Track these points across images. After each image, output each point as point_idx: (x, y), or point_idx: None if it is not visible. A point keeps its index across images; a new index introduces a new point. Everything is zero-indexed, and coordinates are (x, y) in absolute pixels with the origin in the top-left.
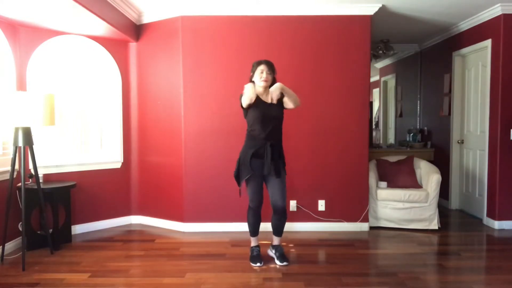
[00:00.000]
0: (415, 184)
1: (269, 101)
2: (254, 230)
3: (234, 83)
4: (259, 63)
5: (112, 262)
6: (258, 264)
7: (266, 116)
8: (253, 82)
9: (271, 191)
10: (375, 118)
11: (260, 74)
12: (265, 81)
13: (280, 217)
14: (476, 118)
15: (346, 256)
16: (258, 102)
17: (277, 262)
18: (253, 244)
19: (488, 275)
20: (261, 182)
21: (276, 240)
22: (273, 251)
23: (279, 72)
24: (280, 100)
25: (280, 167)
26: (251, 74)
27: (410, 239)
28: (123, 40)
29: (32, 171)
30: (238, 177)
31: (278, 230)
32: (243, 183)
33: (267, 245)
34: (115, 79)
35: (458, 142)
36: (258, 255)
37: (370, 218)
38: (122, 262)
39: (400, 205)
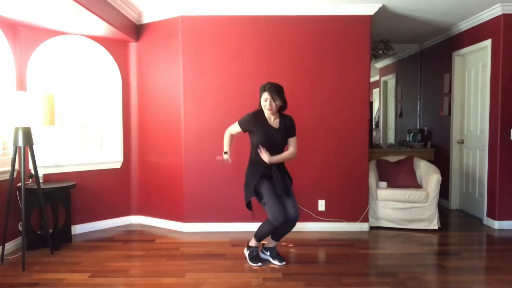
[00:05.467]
0: (415, 184)
1: (276, 126)
2: (262, 238)
3: (234, 83)
4: (263, 89)
5: (112, 262)
6: (259, 263)
7: (271, 142)
8: (261, 105)
9: (288, 202)
10: (375, 118)
11: (264, 103)
12: (269, 110)
13: (292, 225)
14: (476, 118)
15: (346, 256)
16: (265, 126)
17: (276, 262)
18: (252, 244)
19: (488, 275)
20: (278, 199)
21: (272, 244)
22: (267, 253)
23: (278, 73)
24: (287, 127)
25: (289, 185)
26: (259, 97)
27: (410, 239)
28: (123, 40)
29: (32, 171)
30: (249, 203)
31: (282, 237)
32: (255, 201)
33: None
34: (115, 79)
35: (458, 142)
36: (258, 255)
37: (370, 218)
38: (122, 262)
39: (400, 205)
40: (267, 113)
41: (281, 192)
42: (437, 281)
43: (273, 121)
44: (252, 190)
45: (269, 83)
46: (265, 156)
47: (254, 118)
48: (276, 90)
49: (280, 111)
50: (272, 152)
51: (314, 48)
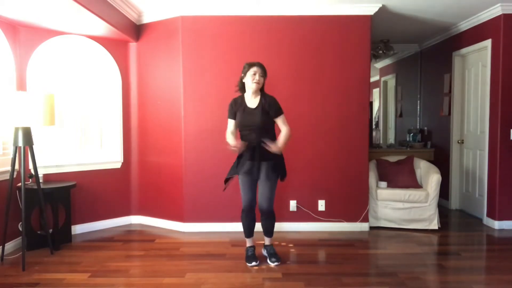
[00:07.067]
0: (415, 184)
1: (254, 105)
2: (248, 232)
3: (234, 83)
4: (251, 64)
5: (112, 262)
6: (254, 263)
7: (248, 121)
8: (243, 83)
9: (259, 192)
10: (375, 118)
11: (253, 76)
12: (257, 83)
13: (266, 218)
14: (476, 118)
15: (346, 256)
16: (243, 106)
17: (269, 262)
18: (248, 244)
19: (488, 275)
20: (252, 184)
21: (267, 241)
22: (265, 251)
23: (278, 73)
24: (270, 106)
25: (268, 170)
26: (242, 75)
27: (410, 239)
28: (123, 40)
29: (32, 171)
30: (227, 179)
31: (266, 230)
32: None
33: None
34: (115, 79)
35: (458, 142)
36: (253, 255)
37: (370, 218)
38: (122, 262)
39: (400, 205)
40: (253, 87)
41: (254, 172)
42: (437, 281)
43: (253, 100)
44: (234, 169)
45: (256, 62)
46: (272, 148)
47: (234, 103)
48: (264, 68)
49: (261, 90)
50: (251, 131)
51: (314, 48)
